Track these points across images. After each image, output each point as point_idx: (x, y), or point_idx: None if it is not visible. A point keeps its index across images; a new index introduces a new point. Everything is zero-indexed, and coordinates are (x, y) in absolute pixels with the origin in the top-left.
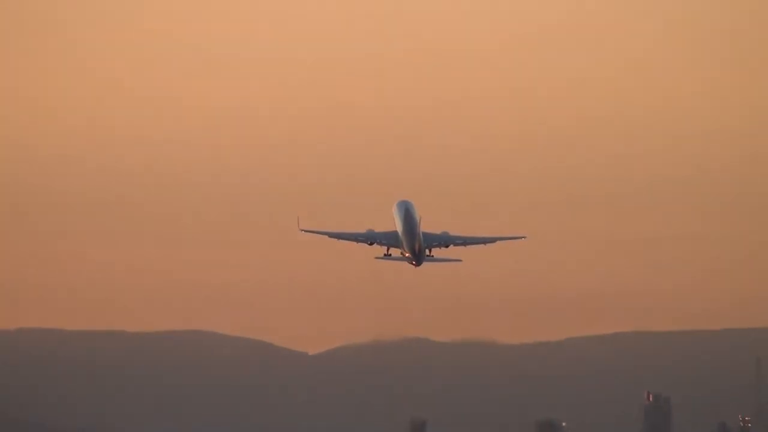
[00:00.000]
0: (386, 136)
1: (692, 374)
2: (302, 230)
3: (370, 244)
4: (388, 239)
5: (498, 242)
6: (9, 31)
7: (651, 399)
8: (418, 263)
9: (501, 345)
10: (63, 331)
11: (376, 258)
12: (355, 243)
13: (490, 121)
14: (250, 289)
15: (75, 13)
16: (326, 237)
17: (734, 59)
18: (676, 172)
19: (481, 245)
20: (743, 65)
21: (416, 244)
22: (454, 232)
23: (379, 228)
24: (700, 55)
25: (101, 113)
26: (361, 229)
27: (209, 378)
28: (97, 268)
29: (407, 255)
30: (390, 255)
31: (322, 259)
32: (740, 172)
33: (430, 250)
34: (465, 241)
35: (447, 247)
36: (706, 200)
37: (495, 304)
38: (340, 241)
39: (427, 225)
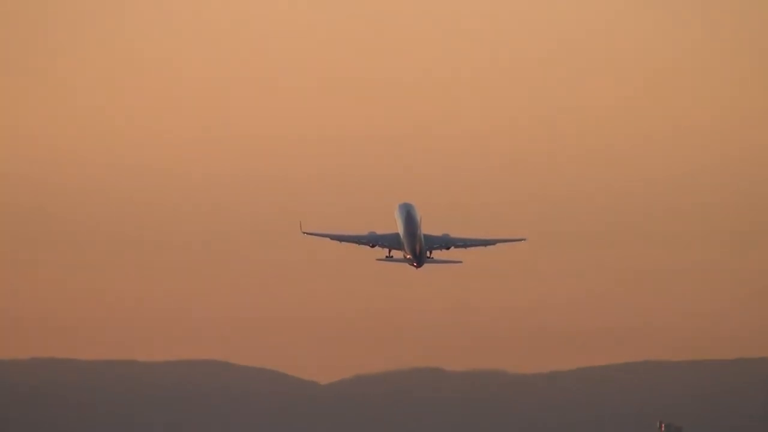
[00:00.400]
0: (388, 138)
1: (705, 404)
2: (305, 233)
3: (372, 246)
4: (390, 241)
5: (498, 244)
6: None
7: (664, 429)
8: (419, 264)
9: (512, 374)
10: (76, 361)
11: (377, 260)
12: (357, 245)
13: (492, 123)
14: (260, 311)
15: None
16: (328, 239)
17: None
18: (692, 194)
19: (482, 247)
20: None
21: (417, 246)
22: (455, 234)
23: (381, 230)
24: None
25: (104, 142)
26: (363, 232)
27: (220, 408)
28: (109, 298)
29: (408, 256)
30: (392, 257)
31: (326, 270)
32: (757, 200)
33: (430, 252)
34: (465, 243)
35: (448, 248)
36: (721, 227)
37: (506, 334)
38: (342, 243)
39: (429, 227)
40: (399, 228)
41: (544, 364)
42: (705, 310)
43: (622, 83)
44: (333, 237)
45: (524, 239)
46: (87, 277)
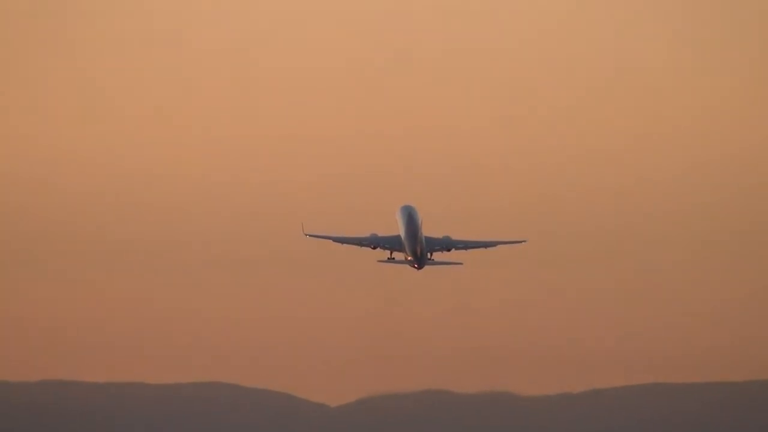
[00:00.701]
0: (390, 140)
1: (717, 427)
2: (307, 235)
3: (374, 248)
4: (391, 243)
5: (499, 246)
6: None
7: None
8: (420, 266)
9: (523, 396)
10: (84, 383)
11: (379, 261)
12: (359, 247)
13: (494, 125)
14: (265, 325)
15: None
16: (330, 242)
17: None
18: (704, 211)
19: (483, 249)
20: None
21: (418, 248)
22: (456, 236)
23: (383, 232)
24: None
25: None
26: (365, 234)
27: (228, 431)
28: (116, 320)
29: (409, 258)
30: (393, 258)
31: (329, 276)
32: None
33: (431, 254)
34: (466, 245)
35: (449, 250)
36: (733, 247)
37: (517, 355)
38: (344, 245)
39: (430, 229)
40: (400, 230)
41: (553, 386)
42: (717, 332)
43: (625, 83)
44: (335, 239)
45: (525, 241)
46: (95, 299)
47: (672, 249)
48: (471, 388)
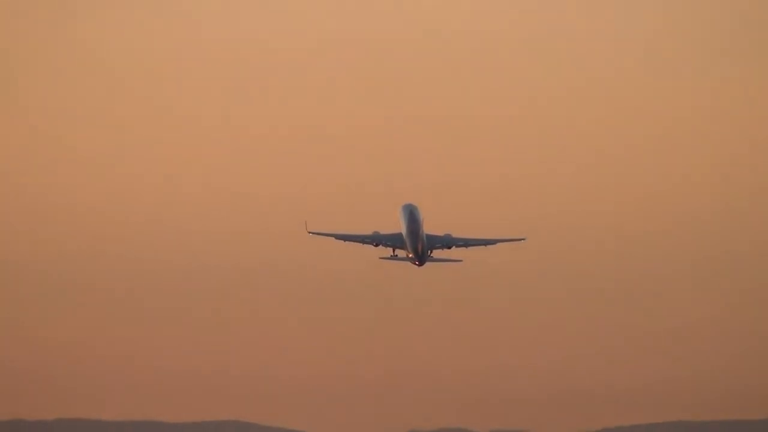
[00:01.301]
0: (392, 140)
1: None
2: (310, 232)
3: (376, 245)
4: (393, 240)
5: (499, 244)
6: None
7: None
8: (421, 263)
9: None
10: (101, 422)
11: (381, 258)
12: (361, 244)
13: (496, 124)
14: (278, 355)
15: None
16: (333, 239)
17: None
18: (717, 213)
19: (482, 246)
20: None
21: (419, 245)
22: (457, 234)
23: (385, 230)
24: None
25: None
26: (368, 231)
27: None
28: (133, 358)
29: (411, 255)
30: (396, 256)
31: (334, 283)
32: None
33: (431, 251)
34: (467, 243)
35: (449, 248)
36: (747, 283)
37: (532, 393)
38: (347, 242)
39: (431, 227)
40: (402, 228)
41: (569, 424)
42: (734, 370)
43: (626, 83)
44: (338, 236)
45: (524, 239)
46: (111, 336)
47: (684, 255)
48: (486, 426)
